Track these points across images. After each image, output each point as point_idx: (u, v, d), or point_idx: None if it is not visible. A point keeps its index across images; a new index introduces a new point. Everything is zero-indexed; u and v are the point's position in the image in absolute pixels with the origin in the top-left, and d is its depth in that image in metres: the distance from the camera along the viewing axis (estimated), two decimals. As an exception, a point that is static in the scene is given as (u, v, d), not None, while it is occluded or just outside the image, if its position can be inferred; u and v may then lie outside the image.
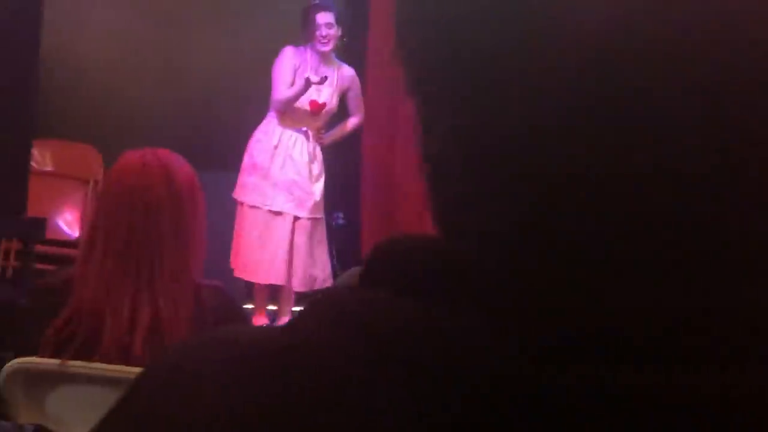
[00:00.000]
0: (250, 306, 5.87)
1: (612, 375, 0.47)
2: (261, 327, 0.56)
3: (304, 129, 5.81)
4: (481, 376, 0.47)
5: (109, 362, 2.16)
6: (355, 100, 6.02)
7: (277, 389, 0.49)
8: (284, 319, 5.87)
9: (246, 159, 5.83)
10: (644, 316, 0.49)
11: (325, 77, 5.66)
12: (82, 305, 2.23)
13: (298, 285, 5.76)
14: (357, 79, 5.99)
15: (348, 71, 5.96)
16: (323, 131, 5.96)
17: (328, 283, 5.91)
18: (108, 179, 2.38)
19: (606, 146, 0.48)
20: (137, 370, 2.13)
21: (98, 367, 2.15)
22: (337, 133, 6.03)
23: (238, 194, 5.79)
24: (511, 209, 0.50)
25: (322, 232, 5.94)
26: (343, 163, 6.59)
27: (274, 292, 5.94)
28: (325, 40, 5.71)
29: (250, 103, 6.06)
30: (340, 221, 6.87)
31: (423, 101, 0.54)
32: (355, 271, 1.99)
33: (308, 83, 5.58)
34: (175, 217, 2.31)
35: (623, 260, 0.49)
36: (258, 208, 5.72)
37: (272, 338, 0.54)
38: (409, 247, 0.53)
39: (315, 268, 5.83)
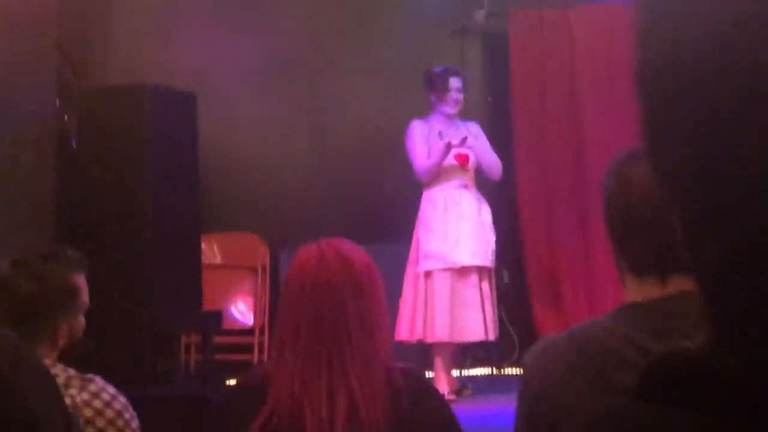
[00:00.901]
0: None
1: None
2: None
3: (461, 182, 5.98)
4: None
5: (313, 456, 2.19)
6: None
7: None
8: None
9: (421, 232, 5.97)
10: None
11: (465, 138, 5.87)
12: (280, 402, 2.26)
13: (491, 335, 5.91)
14: (482, 132, 6.20)
15: (474, 126, 6.19)
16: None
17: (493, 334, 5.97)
18: (289, 276, 2.42)
19: None
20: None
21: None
22: (486, 149, 6.10)
23: (428, 265, 5.90)
24: None
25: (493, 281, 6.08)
26: (502, 223, 6.59)
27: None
28: (456, 104, 6.01)
29: (405, 177, 6.15)
30: (505, 280, 6.85)
31: (685, 221, 0.53)
32: (539, 348, 1.94)
33: (449, 147, 5.82)
34: (358, 305, 2.33)
35: None
36: (447, 270, 5.84)
37: None
38: (686, 363, 0.52)
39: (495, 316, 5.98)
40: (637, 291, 1.85)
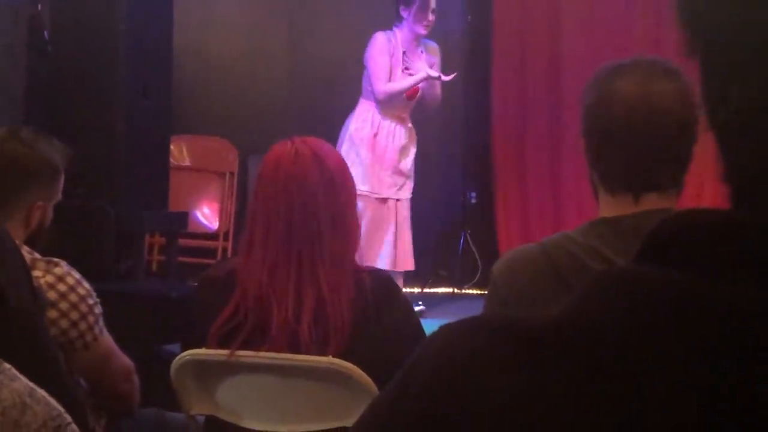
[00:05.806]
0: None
1: None
2: (531, 313, 0.54)
3: (402, 114, 5.73)
4: None
5: (278, 350, 2.19)
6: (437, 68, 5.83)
7: (582, 373, 0.48)
8: None
9: (346, 148, 5.68)
10: None
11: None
12: (247, 296, 2.25)
13: (407, 265, 5.73)
14: (438, 50, 5.89)
15: (433, 45, 5.87)
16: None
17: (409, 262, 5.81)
18: (262, 171, 2.40)
19: None
20: (306, 357, 2.17)
21: (267, 356, 2.18)
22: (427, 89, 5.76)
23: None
24: None
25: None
26: (474, 142, 6.57)
27: None
28: (428, 27, 5.69)
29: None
30: (473, 200, 6.86)
31: (710, 70, 0.52)
32: (508, 257, 1.96)
33: (430, 79, 5.54)
34: (330, 203, 2.32)
35: None
36: (365, 196, 5.57)
37: (558, 321, 0.52)
38: (703, 222, 0.51)
39: (411, 246, 5.79)
40: (610, 207, 1.86)
